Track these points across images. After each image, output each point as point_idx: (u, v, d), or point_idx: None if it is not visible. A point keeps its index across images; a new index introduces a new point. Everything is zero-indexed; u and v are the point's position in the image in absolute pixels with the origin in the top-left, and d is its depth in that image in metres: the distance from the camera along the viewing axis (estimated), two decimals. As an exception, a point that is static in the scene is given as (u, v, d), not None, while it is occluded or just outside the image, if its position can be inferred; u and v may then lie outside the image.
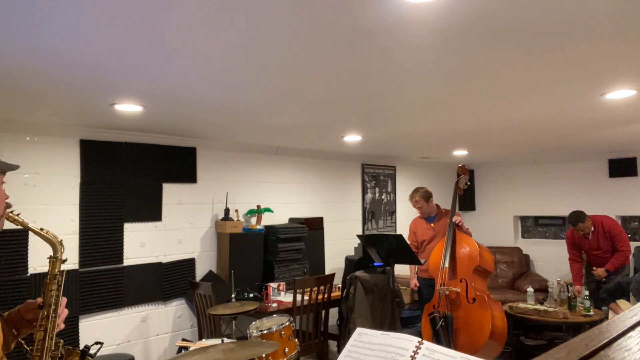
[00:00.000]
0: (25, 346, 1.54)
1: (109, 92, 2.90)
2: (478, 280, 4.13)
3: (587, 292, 4.88)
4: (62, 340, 1.60)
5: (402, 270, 6.49)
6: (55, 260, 1.60)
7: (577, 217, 5.04)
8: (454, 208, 4.54)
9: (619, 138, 5.27)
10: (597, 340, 0.69)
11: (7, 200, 1.45)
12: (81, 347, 1.64)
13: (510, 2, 1.72)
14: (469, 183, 4.81)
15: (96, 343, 1.69)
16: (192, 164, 4.81)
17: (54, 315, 1.55)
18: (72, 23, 1.84)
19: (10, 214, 1.48)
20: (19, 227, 1.54)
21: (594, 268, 5.06)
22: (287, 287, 4.84)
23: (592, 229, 5.11)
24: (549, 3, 1.74)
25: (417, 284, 4.87)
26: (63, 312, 1.60)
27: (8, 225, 1.54)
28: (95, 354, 1.65)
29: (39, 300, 1.57)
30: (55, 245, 1.61)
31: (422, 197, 4.77)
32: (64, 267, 1.63)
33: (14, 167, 1.45)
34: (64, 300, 1.61)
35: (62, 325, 1.61)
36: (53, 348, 1.54)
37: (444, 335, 3.99)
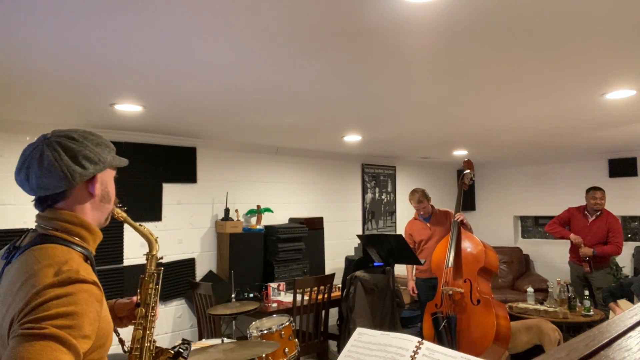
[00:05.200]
0: (124, 347, 1.48)
1: (109, 92, 2.90)
2: (482, 281, 4.02)
3: (587, 292, 4.88)
4: (156, 340, 1.54)
5: (402, 270, 6.48)
6: (151, 257, 1.55)
7: (599, 188, 5.19)
8: (459, 205, 4.42)
9: (619, 138, 5.27)
10: (597, 340, 0.69)
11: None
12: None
13: (510, 2, 1.72)
14: (474, 179, 4.71)
15: (183, 342, 1.61)
16: (192, 164, 4.81)
17: (152, 313, 1.49)
18: (72, 23, 1.84)
19: (115, 209, 1.43)
20: (121, 221, 1.50)
21: (582, 247, 5.07)
22: (287, 287, 4.84)
23: (599, 213, 5.15)
24: (549, 3, 1.74)
25: (415, 290, 4.85)
26: (157, 312, 1.54)
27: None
28: (188, 355, 1.59)
29: (135, 299, 1.52)
30: (152, 242, 1.56)
31: (424, 196, 4.78)
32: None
33: (125, 163, 1.42)
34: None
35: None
36: (151, 348, 1.49)
37: (446, 336, 3.93)
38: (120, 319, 1.54)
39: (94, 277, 1.17)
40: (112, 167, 1.36)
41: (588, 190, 5.25)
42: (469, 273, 4.04)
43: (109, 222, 1.44)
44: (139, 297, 1.51)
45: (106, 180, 1.34)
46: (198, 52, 2.20)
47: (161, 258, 1.59)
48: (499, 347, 3.83)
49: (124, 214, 1.48)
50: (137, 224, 1.54)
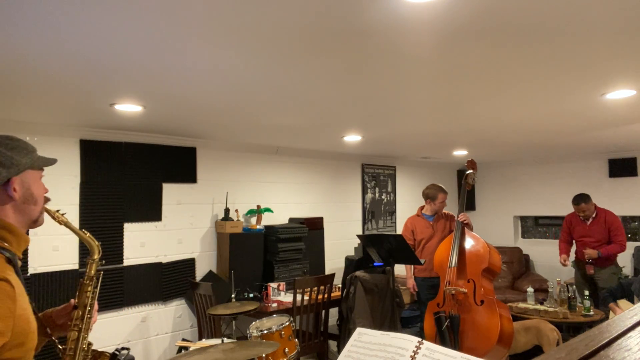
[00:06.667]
0: (58, 345, 1.53)
1: (109, 92, 2.90)
2: (486, 281, 4.00)
3: (587, 292, 4.88)
4: (92, 343, 1.59)
5: (402, 270, 6.47)
6: (92, 262, 1.61)
7: (582, 197, 5.19)
8: (462, 205, 4.42)
9: (619, 138, 5.27)
10: (597, 340, 0.69)
11: (46, 195, 1.46)
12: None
13: (510, 2, 1.72)
14: (476, 179, 4.69)
15: (123, 348, 1.67)
16: (192, 164, 4.81)
17: (88, 316, 1.54)
18: (72, 23, 1.84)
19: (55, 213, 1.50)
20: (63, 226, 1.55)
21: (586, 249, 5.08)
22: (287, 287, 4.84)
23: (594, 215, 5.17)
24: (548, 3, 1.74)
25: (415, 287, 4.84)
26: (94, 314, 1.59)
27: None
28: (124, 358, 1.63)
29: (73, 301, 1.57)
30: (94, 247, 1.61)
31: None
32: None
33: (52, 162, 1.46)
34: (95, 305, 1.60)
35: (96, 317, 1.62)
36: (85, 349, 1.53)
37: (449, 336, 3.91)
38: (60, 326, 1.58)
39: (7, 275, 1.20)
40: (34, 169, 1.38)
41: (572, 202, 5.26)
42: (472, 273, 4.02)
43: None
44: (77, 299, 1.56)
45: (28, 182, 1.37)
46: (198, 52, 2.20)
47: (102, 263, 1.64)
48: (502, 348, 3.80)
49: (65, 219, 1.53)
50: (78, 229, 1.59)
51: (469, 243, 4.16)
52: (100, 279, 1.62)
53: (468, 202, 8.06)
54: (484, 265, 4.00)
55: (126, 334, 4.28)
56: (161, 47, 2.12)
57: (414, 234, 4.85)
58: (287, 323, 3.22)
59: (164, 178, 4.59)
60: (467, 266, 4.08)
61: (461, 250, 4.15)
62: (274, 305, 4.44)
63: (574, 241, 5.40)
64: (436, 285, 4.34)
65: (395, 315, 4.55)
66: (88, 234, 1.61)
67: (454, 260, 4.10)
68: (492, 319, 3.78)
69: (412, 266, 4.91)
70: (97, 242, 1.64)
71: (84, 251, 4.02)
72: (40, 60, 2.28)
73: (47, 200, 1.46)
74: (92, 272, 1.60)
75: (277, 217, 5.51)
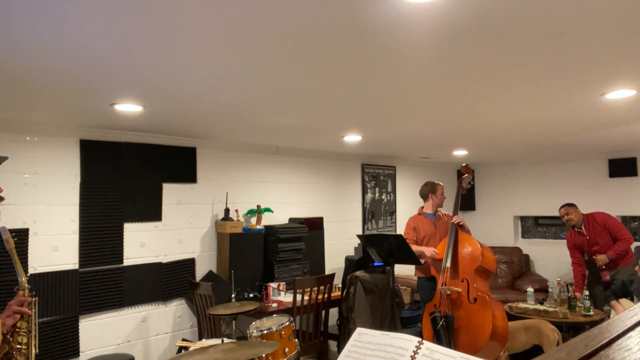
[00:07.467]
0: (11, 344, 1.56)
1: (109, 92, 2.90)
2: (479, 280, 4.12)
3: (587, 292, 4.88)
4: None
5: (402, 270, 6.49)
6: (24, 288, 1.67)
7: (564, 204, 5.25)
8: (456, 207, 4.52)
9: (619, 138, 5.27)
10: (597, 340, 0.69)
11: (1, 194, 1.47)
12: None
13: (510, 2, 1.72)
14: (472, 183, 4.78)
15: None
16: (192, 164, 4.81)
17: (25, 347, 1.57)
18: (72, 23, 1.84)
19: (9, 238, 1.53)
20: (17, 229, 1.59)
21: (596, 255, 5.06)
22: (287, 287, 4.84)
23: (583, 223, 5.18)
24: (548, 3, 1.74)
25: (437, 251, 4.76)
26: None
27: (9, 224, 1.55)
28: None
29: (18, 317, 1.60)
30: (22, 274, 1.68)
31: None
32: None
33: (2, 160, 1.47)
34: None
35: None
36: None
37: (444, 335, 3.98)
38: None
39: None
40: None
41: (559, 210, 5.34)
42: (466, 273, 4.14)
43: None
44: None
45: None
46: (198, 52, 2.20)
47: (34, 294, 1.68)
48: (496, 344, 3.90)
49: (12, 245, 1.60)
50: (18, 260, 1.67)
51: (462, 244, 4.30)
52: (36, 305, 1.66)
53: (468, 202, 8.08)
54: (476, 265, 4.12)
55: (126, 334, 4.28)
56: (161, 47, 2.12)
57: (416, 231, 4.86)
58: (287, 323, 3.22)
59: (164, 178, 4.59)
60: (460, 266, 4.21)
61: (455, 251, 4.28)
62: (274, 305, 4.44)
63: (586, 257, 5.34)
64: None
65: (395, 315, 4.55)
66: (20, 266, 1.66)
67: (448, 261, 4.22)
68: (485, 315, 3.91)
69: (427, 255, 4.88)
70: (25, 278, 1.69)
71: (84, 251, 4.02)
72: (40, 61, 2.28)
73: (0, 199, 1.47)
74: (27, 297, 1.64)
75: (277, 217, 5.51)
